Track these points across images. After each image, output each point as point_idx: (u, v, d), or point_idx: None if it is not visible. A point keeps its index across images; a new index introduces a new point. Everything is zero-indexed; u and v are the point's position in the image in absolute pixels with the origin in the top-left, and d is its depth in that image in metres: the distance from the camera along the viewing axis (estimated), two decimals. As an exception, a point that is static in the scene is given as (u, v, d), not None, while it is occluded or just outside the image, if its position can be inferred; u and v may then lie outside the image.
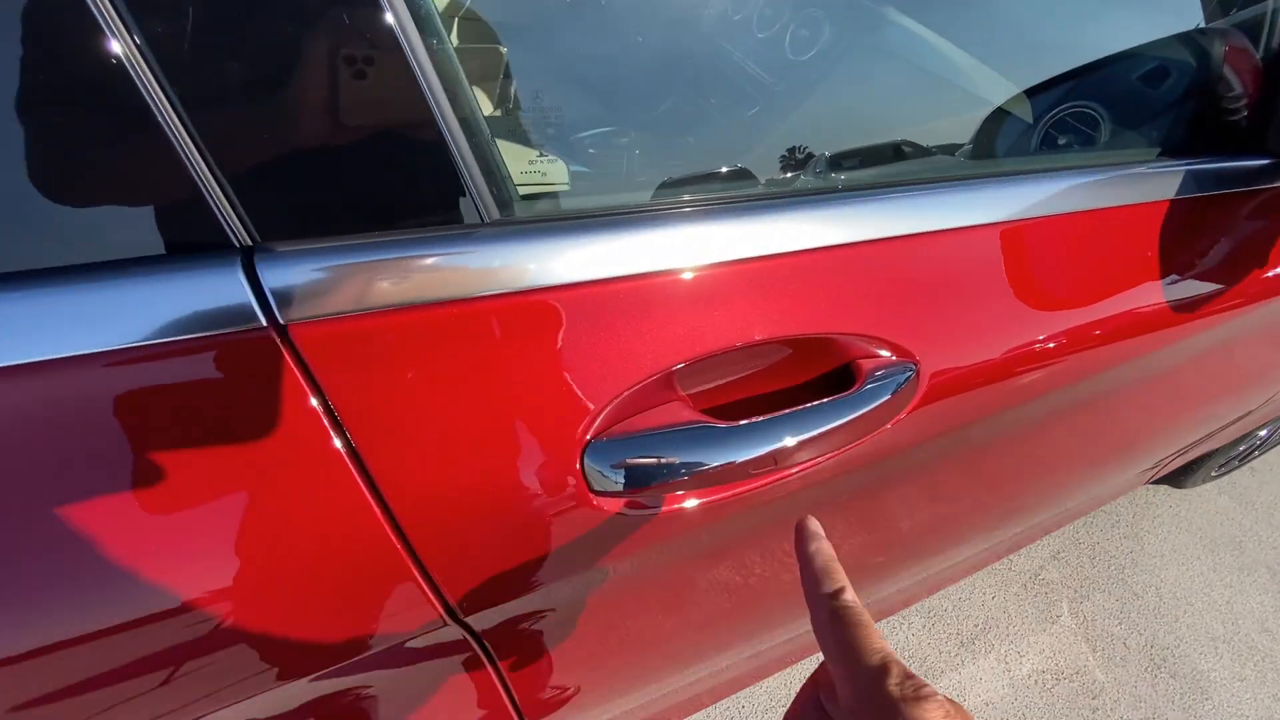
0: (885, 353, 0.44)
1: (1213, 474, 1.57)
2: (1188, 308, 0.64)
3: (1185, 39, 0.71)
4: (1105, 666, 1.31)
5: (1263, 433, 1.48)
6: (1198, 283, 0.65)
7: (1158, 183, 0.60)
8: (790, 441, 0.39)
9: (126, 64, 0.26)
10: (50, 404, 0.28)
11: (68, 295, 0.27)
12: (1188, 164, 0.61)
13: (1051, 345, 0.56)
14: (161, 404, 0.29)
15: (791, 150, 0.63)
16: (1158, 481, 1.64)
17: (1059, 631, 1.36)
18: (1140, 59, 0.72)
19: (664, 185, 0.49)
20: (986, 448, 0.66)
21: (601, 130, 0.86)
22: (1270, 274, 0.68)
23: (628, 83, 0.97)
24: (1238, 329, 0.75)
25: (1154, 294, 0.62)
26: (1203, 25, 0.72)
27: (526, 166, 0.47)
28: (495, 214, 0.34)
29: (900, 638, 1.30)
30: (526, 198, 0.38)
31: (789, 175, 0.60)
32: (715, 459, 0.37)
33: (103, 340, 0.28)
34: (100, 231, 0.27)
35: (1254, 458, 1.67)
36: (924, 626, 1.33)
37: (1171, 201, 0.60)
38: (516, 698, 0.50)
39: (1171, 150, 0.65)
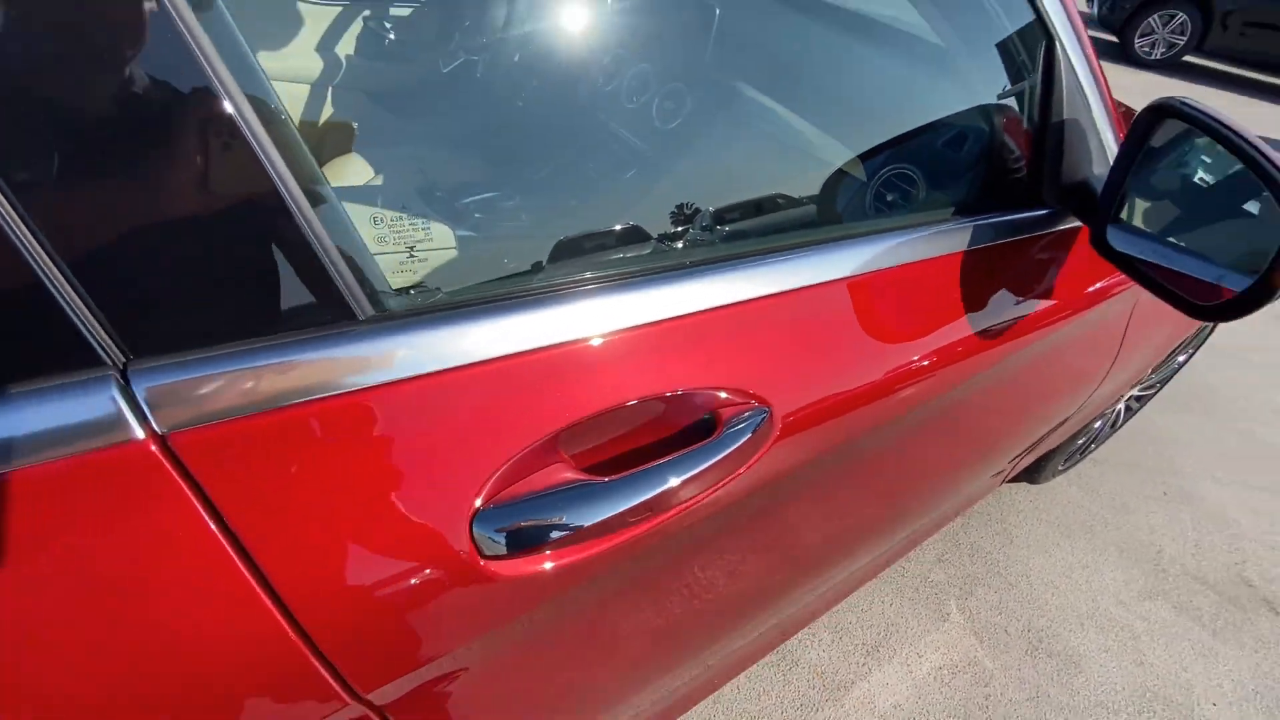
0: (742, 400, 0.50)
1: (1060, 468, 1.77)
2: (1002, 332, 0.75)
3: (979, 110, 0.85)
4: (992, 655, 1.44)
5: (1096, 424, 1.70)
6: (1007, 311, 0.77)
7: (966, 235, 0.71)
8: (663, 488, 0.44)
9: None
10: None
11: None
12: (989, 218, 0.73)
13: (894, 377, 0.65)
14: (49, 520, 0.30)
15: (669, 213, 0.70)
16: (1015, 480, 1.84)
17: (950, 629, 1.47)
18: (946, 128, 0.85)
19: (557, 249, 0.53)
20: (853, 469, 0.74)
21: (487, 195, 0.90)
22: (1058, 301, 0.81)
23: (510, 150, 1.02)
24: (1046, 345, 0.88)
25: (975, 324, 0.73)
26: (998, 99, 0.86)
27: (405, 258, 0.50)
28: (368, 309, 0.37)
29: (813, 654, 1.37)
30: (402, 289, 0.41)
31: (665, 237, 0.66)
32: (596, 514, 0.41)
33: None
34: None
35: (1093, 450, 1.91)
36: (832, 641, 1.41)
37: (982, 249, 0.71)
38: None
39: (977, 206, 0.77)
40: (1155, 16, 6.82)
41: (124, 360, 0.31)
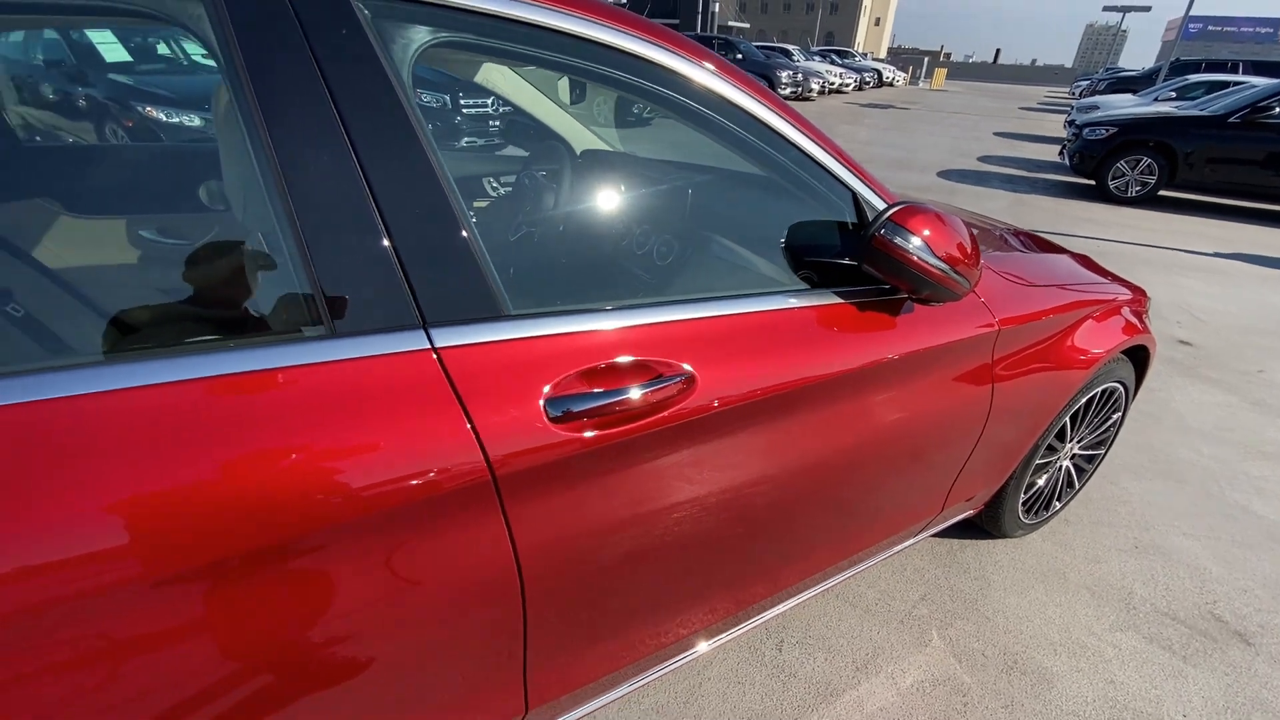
0: (677, 364, 0.94)
1: (1024, 520, 2.05)
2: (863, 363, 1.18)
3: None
4: (970, 672, 1.66)
5: (1040, 481, 2.01)
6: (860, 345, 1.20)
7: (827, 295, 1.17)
8: (634, 396, 0.87)
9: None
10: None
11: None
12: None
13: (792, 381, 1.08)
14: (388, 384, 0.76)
15: (664, 288, 1.19)
16: (990, 535, 2.11)
17: (931, 652, 1.72)
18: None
19: (607, 292, 1.01)
20: (773, 439, 1.13)
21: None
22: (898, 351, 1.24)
23: (557, 275, 1.55)
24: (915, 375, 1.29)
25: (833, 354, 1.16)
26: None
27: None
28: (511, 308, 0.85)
29: (806, 669, 1.63)
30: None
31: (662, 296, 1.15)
32: (599, 404, 0.85)
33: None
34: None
35: (1058, 508, 2.18)
36: (825, 659, 1.67)
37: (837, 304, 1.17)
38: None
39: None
40: (1123, 162, 7.61)
41: (425, 322, 0.77)
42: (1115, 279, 1.93)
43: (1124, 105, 9.92)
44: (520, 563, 0.85)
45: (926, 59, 46.93)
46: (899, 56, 53.55)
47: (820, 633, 1.75)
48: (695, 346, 0.96)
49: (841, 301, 1.14)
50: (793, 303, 1.10)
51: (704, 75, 0.99)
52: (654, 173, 2.00)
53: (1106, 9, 49.61)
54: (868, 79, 28.73)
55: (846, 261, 1.17)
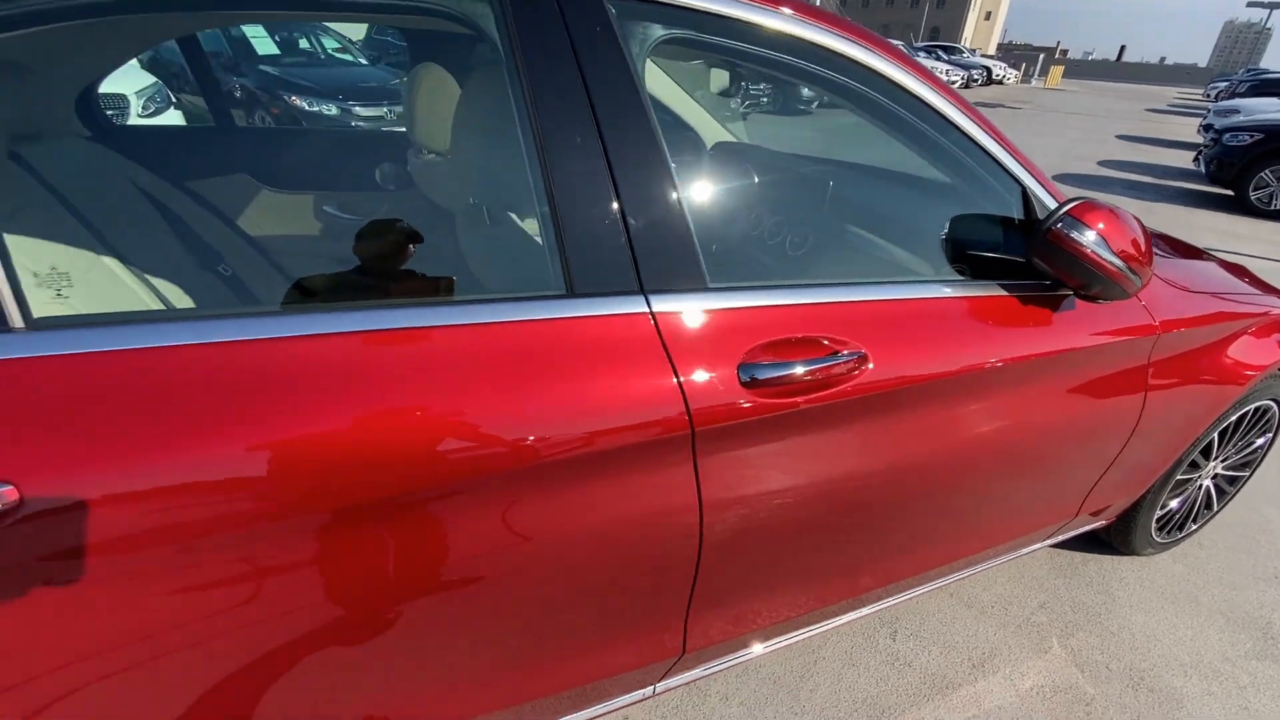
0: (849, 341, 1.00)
1: (1157, 539, 1.98)
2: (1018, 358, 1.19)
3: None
4: (1093, 683, 1.64)
5: (1173, 503, 1.93)
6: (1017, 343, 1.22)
7: (981, 286, 1.19)
8: (818, 367, 0.94)
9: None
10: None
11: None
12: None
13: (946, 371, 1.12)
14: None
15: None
16: (1117, 551, 2.04)
17: (1051, 659, 1.70)
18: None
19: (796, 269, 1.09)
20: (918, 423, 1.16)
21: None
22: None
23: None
24: (1067, 375, 1.29)
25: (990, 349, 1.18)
26: None
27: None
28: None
29: (921, 660, 1.66)
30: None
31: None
32: (784, 374, 0.92)
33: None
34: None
35: (1193, 529, 2.09)
36: (940, 653, 1.68)
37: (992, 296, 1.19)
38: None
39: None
40: (1268, 171, 6.97)
41: (644, 289, 0.86)
42: (1273, 291, 1.83)
43: (1269, 109, 9.04)
44: (703, 512, 0.93)
45: (1041, 56, 44.10)
46: (1010, 53, 50.60)
47: (934, 628, 1.76)
48: (866, 327, 1.01)
49: (1005, 294, 1.16)
50: (956, 292, 1.13)
51: (897, 72, 1.05)
52: (782, 164, 2.06)
53: (1251, 4, 45.08)
54: (975, 76, 27.36)
55: (1007, 256, 1.19)
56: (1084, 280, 1.10)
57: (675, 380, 0.85)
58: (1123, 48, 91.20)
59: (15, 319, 0.61)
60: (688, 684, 1.27)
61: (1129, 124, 16.36)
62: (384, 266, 1.01)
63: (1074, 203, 1.08)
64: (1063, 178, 8.36)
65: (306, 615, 0.74)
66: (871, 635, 1.73)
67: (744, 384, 0.90)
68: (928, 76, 1.08)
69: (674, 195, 0.87)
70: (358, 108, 5.85)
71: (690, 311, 0.88)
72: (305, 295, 0.99)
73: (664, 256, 0.87)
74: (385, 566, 0.77)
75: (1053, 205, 1.20)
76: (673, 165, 0.87)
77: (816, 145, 2.20)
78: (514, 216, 1.05)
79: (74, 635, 0.63)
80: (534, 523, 0.83)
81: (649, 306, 0.85)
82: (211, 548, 0.66)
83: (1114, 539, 1.99)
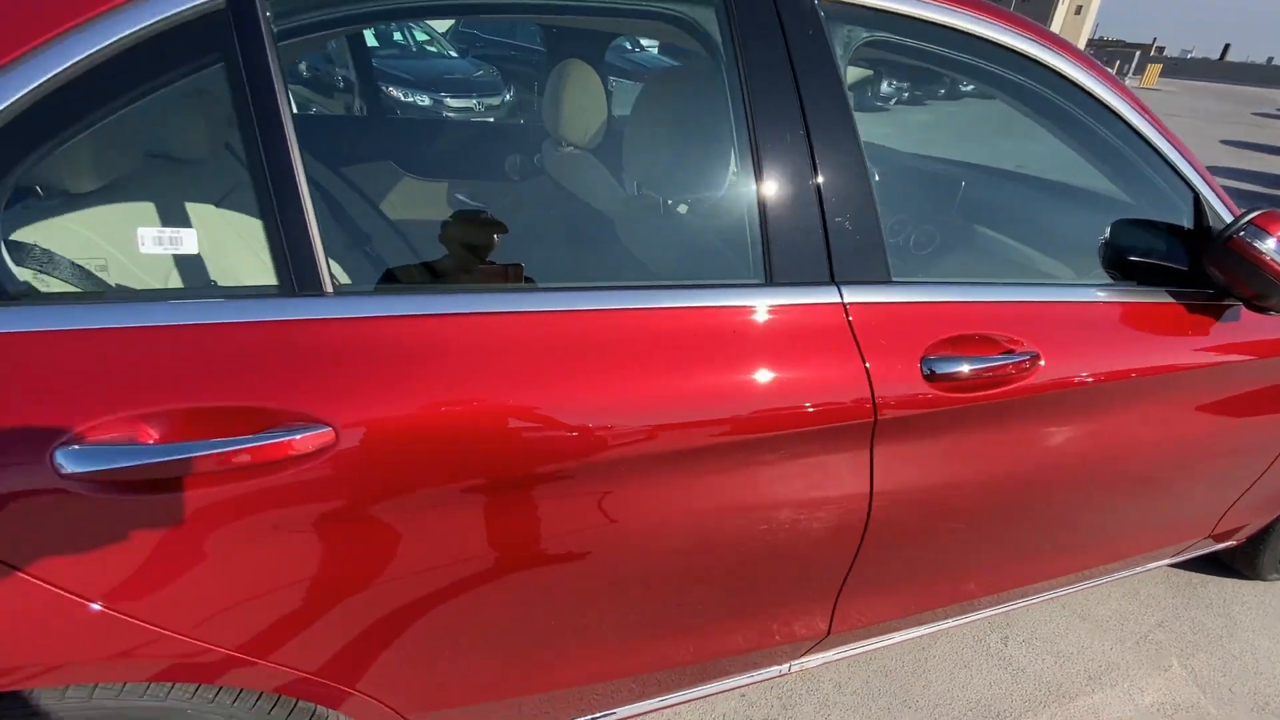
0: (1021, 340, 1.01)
1: (1282, 564, 1.90)
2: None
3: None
4: (1216, 704, 1.59)
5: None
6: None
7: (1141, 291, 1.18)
8: (993, 364, 0.97)
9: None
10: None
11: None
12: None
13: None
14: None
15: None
16: (1238, 574, 1.97)
17: (1171, 678, 1.66)
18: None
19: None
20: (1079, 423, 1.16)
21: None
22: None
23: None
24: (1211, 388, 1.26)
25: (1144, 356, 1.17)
26: None
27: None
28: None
29: (1035, 667, 1.65)
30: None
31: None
32: (968, 368, 0.95)
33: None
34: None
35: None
36: (1054, 663, 1.67)
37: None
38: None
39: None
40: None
41: (836, 280, 0.91)
42: None
43: None
44: (872, 499, 0.97)
45: (1137, 53, 41.61)
46: (1102, 50, 47.96)
47: (1046, 637, 1.75)
48: (1036, 327, 1.03)
49: (1169, 301, 1.16)
50: (1120, 296, 1.13)
51: (1082, 75, 1.06)
52: (916, 164, 2.05)
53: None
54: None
55: (1172, 264, 1.18)
56: (1261, 290, 1.09)
57: (864, 369, 0.89)
58: (1226, 46, 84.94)
59: (327, 285, 0.70)
60: (818, 665, 1.31)
61: (1234, 129, 15.29)
62: (541, 254, 1.08)
63: (1258, 211, 1.07)
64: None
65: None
66: (981, 638, 1.73)
67: (925, 376, 0.93)
68: (1111, 80, 1.08)
69: (868, 192, 0.91)
70: (449, 99, 6.07)
71: (877, 304, 0.92)
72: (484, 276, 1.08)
73: (855, 250, 0.91)
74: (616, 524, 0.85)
75: (1224, 212, 1.18)
76: (869, 164, 0.91)
77: (896, 142, 2.22)
78: (688, 207, 1.11)
79: (386, 564, 0.73)
80: (723, 497, 0.89)
81: (841, 297, 0.90)
82: (495, 487, 0.76)
83: (1237, 561, 1.92)
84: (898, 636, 1.36)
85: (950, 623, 1.43)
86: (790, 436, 0.88)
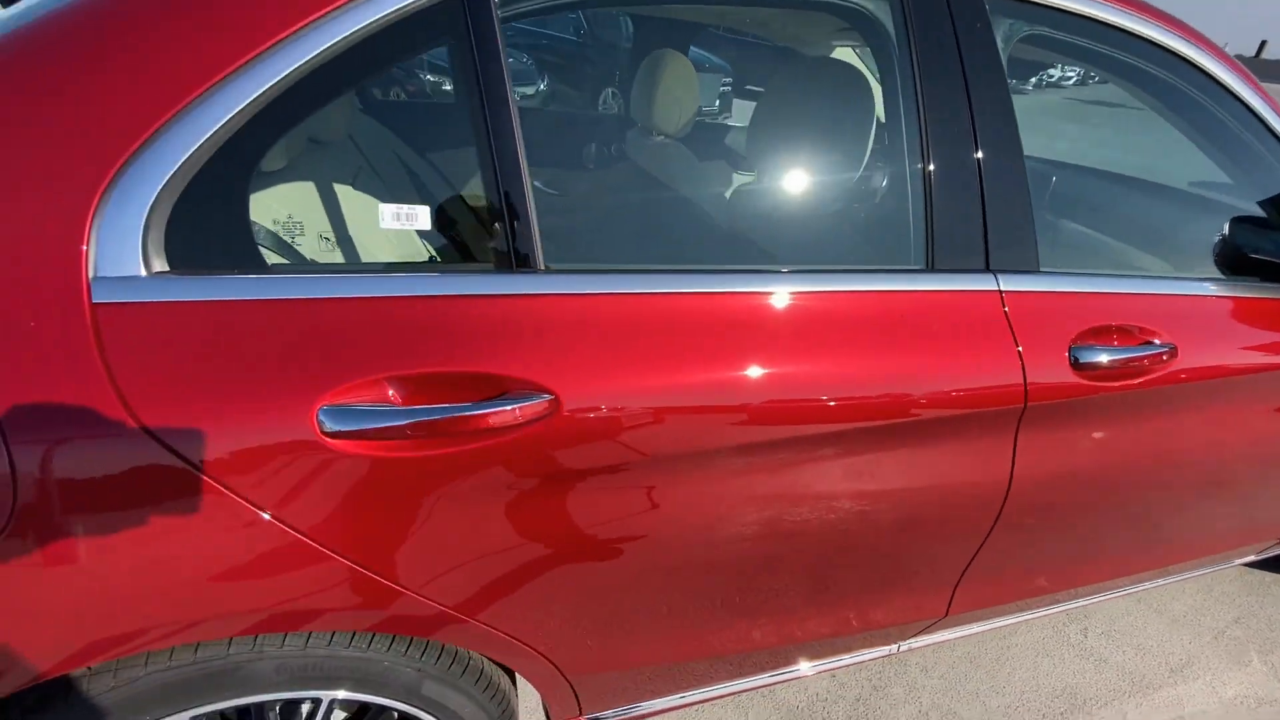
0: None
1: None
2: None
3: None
4: (1300, 701, 1.61)
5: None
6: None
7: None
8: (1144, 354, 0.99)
9: None
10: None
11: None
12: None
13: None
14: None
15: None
16: (1316, 573, 1.97)
17: (1252, 672, 1.67)
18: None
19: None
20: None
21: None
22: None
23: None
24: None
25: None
26: None
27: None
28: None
29: (1116, 658, 1.67)
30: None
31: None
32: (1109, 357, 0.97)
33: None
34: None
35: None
36: (1135, 655, 1.69)
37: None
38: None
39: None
40: None
41: (991, 268, 0.93)
42: None
43: None
44: (1011, 484, 1.00)
45: (1166, 52, 40.69)
46: (1130, 48, 47.07)
47: (1125, 630, 1.77)
48: (1173, 319, 1.05)
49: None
50: (1245, 292, 1.15)
51: (1225, 74, 1.07)
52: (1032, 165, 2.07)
53: None
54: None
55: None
56: None
57: (1018, 355, 0.92)
58: (1263, 43, 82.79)
59: (539, 263, 0.73)
60: (926, 646, 1.34)
61: (1273, 129, 14.98)
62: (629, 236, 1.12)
63: None
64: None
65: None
66: (1061, 630, 1.75)
67: (1072, 365, 0.95)
68: (1250, 80, 1.10)
69: (1023, 181, 0.93)
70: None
71: (1029, 292, 0.94)
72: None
73: (1009, 238, 0.93)
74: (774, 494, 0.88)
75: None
76: (1022, 150, 0.93)
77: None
78: (829, 194, 1.13)
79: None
80: (878, 477, 0.92)
81: (998, 285, 0.92)
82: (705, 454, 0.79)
83: (1313, 563, 1.93)
84: (996, 622, 1.38)
85: (1037, 612, 1.46)
86: (945, 420, 0.91)
